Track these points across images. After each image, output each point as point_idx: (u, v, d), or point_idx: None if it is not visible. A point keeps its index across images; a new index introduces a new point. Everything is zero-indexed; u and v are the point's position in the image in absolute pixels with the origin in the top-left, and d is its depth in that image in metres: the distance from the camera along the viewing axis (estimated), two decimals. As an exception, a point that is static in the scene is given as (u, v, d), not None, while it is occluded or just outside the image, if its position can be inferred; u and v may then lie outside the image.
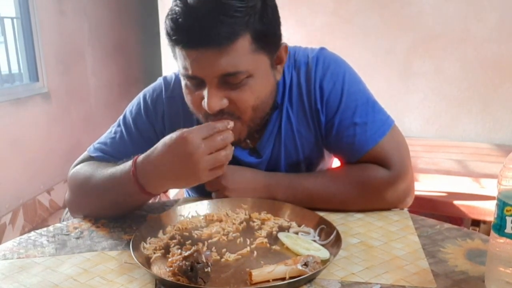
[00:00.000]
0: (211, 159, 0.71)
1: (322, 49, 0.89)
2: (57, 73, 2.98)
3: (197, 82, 0.76)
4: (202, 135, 0.71)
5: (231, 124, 0.75)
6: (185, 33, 0.71)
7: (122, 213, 0.85)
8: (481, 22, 2.24)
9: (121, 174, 0.77)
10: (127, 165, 0.77)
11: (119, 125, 0.94)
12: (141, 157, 0.76)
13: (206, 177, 0.74)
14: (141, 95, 0.95)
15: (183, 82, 0.80)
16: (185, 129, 0.72)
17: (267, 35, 0.76)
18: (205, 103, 0.75)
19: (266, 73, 0.79)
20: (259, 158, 0.91)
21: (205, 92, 0.75)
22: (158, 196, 0.90)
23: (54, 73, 2.94)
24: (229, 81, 0.74)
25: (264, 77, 0.79)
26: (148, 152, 0.75)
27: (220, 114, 0.77)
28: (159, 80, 0.95)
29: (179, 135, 0.71)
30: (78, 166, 0.89)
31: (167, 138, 0.73)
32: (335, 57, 0.89)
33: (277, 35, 0.79)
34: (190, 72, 0.74)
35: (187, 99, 0.81)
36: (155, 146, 0.75)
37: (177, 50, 0.75)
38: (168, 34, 0.73)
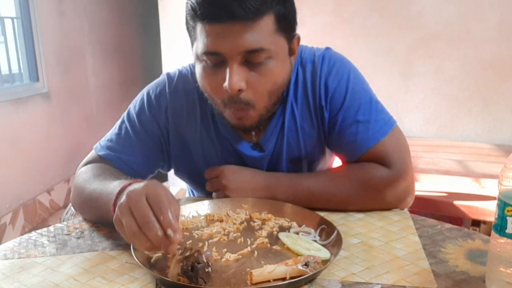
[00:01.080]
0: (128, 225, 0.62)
1: (328, 48, 0.91)
2: (57, 73, 2.98)
3: (217, 62, 0.75)
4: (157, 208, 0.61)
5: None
6: (212, 6, 0.71)
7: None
8: (481, 22, 2.24)
9: (106, 198, 0.73)
10: (113, 191, 0.71)
11: (123, 121, 0.94)
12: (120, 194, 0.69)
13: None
14: (144, 91, 0.95)
15: (200, 66, 0.79)
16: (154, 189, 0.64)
17: (288, 19, 0.77)
18: (226, 82, 0.74)
19: (284, 58, 0.80)
20: (262, 153, 0.91)
21: (226, 71, 0.74)
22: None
23: (54, 73, 2.94)
24: (250, 60, 0.74)
25: (283, 61, 0.79)
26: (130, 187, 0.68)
27: (238, 100, 0.77)
28: (163, 76, 0.96)
29: (129, 194, 0.62)
30: (83, 169, 0.89)
31: (133, 187, 0.65)
32: (340, 56, 0.90)
33: (294, 22, 0.81)
34: (213, 48, 0.73)
35: (204, 83, 0.80)
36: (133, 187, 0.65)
37: (199, 27, 0.75)
38: (192, 9, 0.74)
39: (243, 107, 0.78)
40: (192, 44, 0.80)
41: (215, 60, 0.76)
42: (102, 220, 0.81)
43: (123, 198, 0.63)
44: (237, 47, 0.73)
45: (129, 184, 0.69)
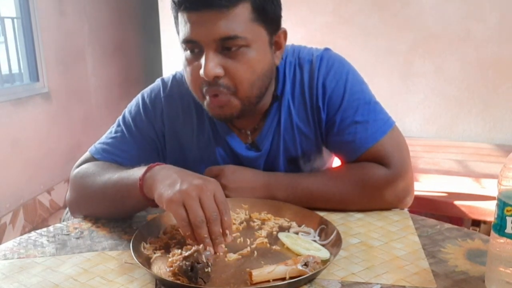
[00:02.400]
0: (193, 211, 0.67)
1: (327, 49, 0.91)
2: (57, 73, 2.98)
3: (196, 50, 0.77)
4: (207, 205, 0.67)
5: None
6: None
7: (123, 216, 0.85)
8: (481, 22, 2.24)
9: (127, 182, 0.76)
10: (136, 173, 0.76)
11: (119, 125, 0.94)
12: (150, 171, 0.74)
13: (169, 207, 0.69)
14: (139, 96, 0.96)
15: (183, 56, 0.81)
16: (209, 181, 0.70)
17: (266, 9, 0.78)
18: (202, 69, 0.75)
19: (263, 48, 0.80)
20: (258, 152, 0.91)
21: (202, 59, 0.76)
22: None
23: (54, 73, 2.94)
24: (226, 47, 0.75)
25: (262, 51, 0.79)
26: (160, 167, 0.74)
27: (216, 85, 0.77)
28: (157, 81, 0.97)
29: (199, 183, 0.68)
30: (82, 166, 0.89)
31: (189, 173, 0.71)
32: (339, 57, 0.90)
33: (277, 14, 0.81)
34: (190, 36, 0.75)
35: (186, 73, 0.81)
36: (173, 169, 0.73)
37: (180, 17, 0.77)
38: (173, 0, 0.76)
39: (221, 91, 0.78)
40: (179, 37, 0.82)
41: (193, 48, 0.77)
42: (113, 210, 0.82)
43: (187, 185, 0.67)
44: (212, 34, 0.74)
45: (157, 164, 0.74)
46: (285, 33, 0.84)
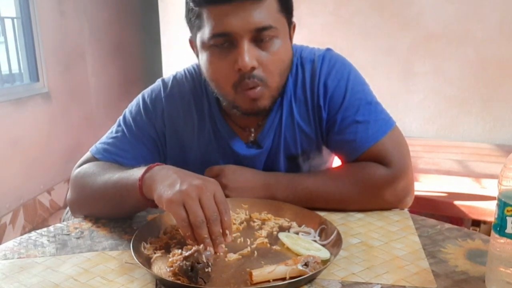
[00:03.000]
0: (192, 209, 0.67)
1: (328, 49, 0.92)
2: (57, 73, 2.98)
3: (226, 46, 0.77)
4: (208, 207, 0.67)
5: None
6: None
7: (123, 216, 0.85)
8: (481, 22, 2.24)
9: (127, 182, 0.76)
10: (135, 173, 0.76)
11: (119, 125, 0.94)
12: (149, 172, 0.74)
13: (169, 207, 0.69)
14: (139, 96, 0.96)
15: (206, 54, 0.80)
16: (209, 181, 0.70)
17: (288, 1, 0.81)
18: (239, 61, 0.75)
19: (287, 39, 0.82)
20: (260, 149, 0.92)
21: (237, 52, 0.76)
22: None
23: (54, 73, 2.94)
24: (259, 39, 0.76)
25: (286, 42, 0.82)
26: (160, 167, 0.74)
27: (252, 77, 0.77)
28: (158, 82, 0.97)
29: (199, 183, 0.68)
30: (83, 166, 0.89)
31: (188, 174, 0.71)
32: (341, 57, 0.91)
33: (292, 6, 0.83)
34: (223, 28, 0.75)
35: (212, 70, 0.81)
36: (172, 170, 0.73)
37: (206, 12, 0.76)
38: None
39: (257, 84, 0.78)
40: (195, 35, 0.81)
41: (223, 42, 0.77)
42: (113, 210, 0.83)
43: (187, 185, 0.67)
44: (248, 24, 0.74)
45: (156, 165, 0.74)
46: (294, 26, 0.86)
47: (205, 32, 0.77)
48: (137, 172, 0.75)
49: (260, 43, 0.77)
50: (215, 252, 0.67)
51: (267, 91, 0.80)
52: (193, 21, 0.80)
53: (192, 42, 0.87)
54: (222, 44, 0.77)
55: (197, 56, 0.87)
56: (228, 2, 0.73)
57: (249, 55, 0.75)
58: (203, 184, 0.68)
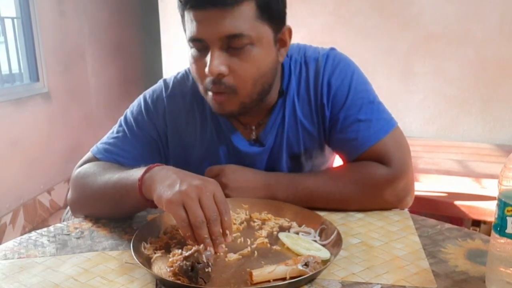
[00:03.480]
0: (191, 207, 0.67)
1: (332, 48, 0.92)
2: (57, 73, 2.98)
3: (202, 48, 0.77)
4: (207, 206, 0.67)
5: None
6: None
7: (123, 216, 0.85)
8: (481, 22, 2.24)
9: (127, 182, 0.76)
10: (135, 173, 0.76)
11: (120, 125, 0.94)
12: (149, 172, 0.74)
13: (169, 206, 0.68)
14: (141, 96, 0.96)
15: (189, 53, 0.81)
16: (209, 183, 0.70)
17: (271, 7, 0.78)
18: (207, 66, 0.76)
19: (268, 46, 0.80)
20: (262, 147, 0.92)
21: (208, 57, 0.76)
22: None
23: (54, 73, 2.94)
24: (232, 46, 0.76)
25: (266, 49, 0.80)
26: (160, 168, 0.74)
27: (218, 83, 0.78)
28: (159, 82, 0.97)
29: (198, 183, 0.68)
30: (84, 166, 0.89)
31: (188, 174, 0.71)
32: (344, 57, 0.91)
33: (281, 12, 0.81)
34: (196, 34, 0.76)
35: (192, 69, 0.82)
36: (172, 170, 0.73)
37: (186, 16, 0.77)
38: None
39: (223, 90, 0.78)
40: (186, 34, 0.82)
41: (200, 46, 0.78)
42: (113, 210, 0.83)
43: (186, 186, 0.67)
44: (217, 32, 0.74)
45: (156, 165, 0.74)
46: (289, 30, 0.84)
47: (187, 34, 0.79)
48: (136, 173, 0.75)
49: (233, 50, 0.76)
50: (215, 252, 0.67)
51: (235, 98, 0.80)
52: (182, 21, 0.82)
53: None
54: (199, 47, 0.78)
55: None
56: (201, 8, 0.74)
57: (216, 61, 0.75)
58: (203, 184, 0.68)
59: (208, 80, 0.78)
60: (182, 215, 0.66)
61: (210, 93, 0.81)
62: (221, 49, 0.76)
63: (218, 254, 0.67)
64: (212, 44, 0.75)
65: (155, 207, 0.73)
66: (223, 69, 0.76)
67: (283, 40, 0.83)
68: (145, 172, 0.74)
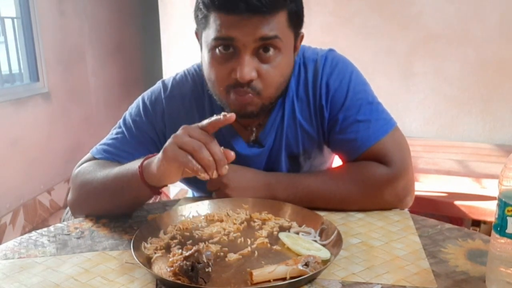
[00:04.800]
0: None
1: (331, 49, 0.92)
2: (57, 73, 2.98)
3: (228, 51, 0.77)
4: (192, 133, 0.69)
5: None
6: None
7: (124, 211, 0.85)
8: (481, 22, 2.24)
9: (127, 173, 0.78)
10: (134, 164, 0.78)
11: (120, 127, 0.95)
12: (148, 159, 0.76)
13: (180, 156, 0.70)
14: (139, 98, 0.97)
15: (208, 54, 0.80)
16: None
17: (299, 16, 0.81)
18: (238, 71, 0.76)
19: (290, 53, 0.83)
20: (261, 148, 0.92)
21: (238, 62, 0.76)
22: (159, 196, 0.90)
23: (54, 73, 2.94)
24: (264, 48, 0.77)
25: (289, 56, 0.82)
26: (157, 155, 0.75)
27: (247, 86, 0.78)
28: (158, 83, 0.97)
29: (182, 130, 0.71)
30: (83, 166, 0.89)
31: None
32: (343, 58, 0.91)
33: (303, 20, 0.84)
34: (227, 33, 0.75)
35: (211, 72, 0.81)
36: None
37: (213, 16, 0.76)
38: None
39: (249, 92, 0.79)
40: (201, 33, 0.82)
41: (227, 47, 0.77)
42: (114, 204, 0.83)
43: (174, 137, 0.69)
44: (253, 35, 0.75)
45: (154, 154, 0.75)
46: (302, 36, 0.86)
47: (210, 34, 0.78)
48: (136, 163, 0.77)
49: (262, 55, 0.77)
50: (219, 174, 0.68)
51: (258, 100, 0.81)
52: (200, 19, 0.80)
53: (197, 34, 0.87)
54: (225, 48, 0.77)
55: (201, 49, 0.87)
56: (236, 13, 0.73)
57: (249, 67, 0.76)
58: (186, 126, 0.70)
59: (233, 81, 0.78)
60: (182, 153, 0.67)
61: (232, 94, 0.80)
62: (252, 54, 0.76)
63: (221, 174, 0.68)
64: (243, 48, 0.75)
65: (158, 193, 0.75)
66: (254, 74, 0.77)
67: (296, 46, 0.85)
68: (144, 160, 0.76)
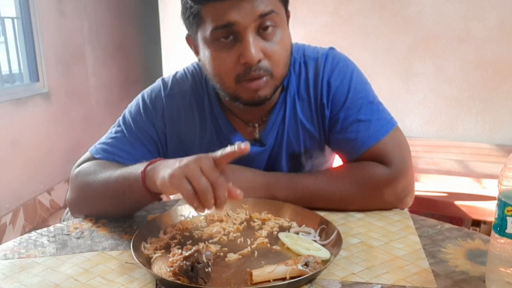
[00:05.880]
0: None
1: (332, 48, 0.92)
2: (57, 73, 2.98)
3: (230, 38, 0.76)
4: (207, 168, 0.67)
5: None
6: None
7: (124, 214, 0.85)
8: (481, 22, 2.24)
9: (129, 177, 0.76)
10: (137, 168, 0.76)
11: (119, 125, 0.94)
12: (151, 165, 0.74)
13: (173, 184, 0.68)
14: (139, 96, 0.96)
15: (208, 51, 0.79)
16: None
17: None
18: (245, 55, 0.75)
19: (286, 26, 0.83)
20: (263, 147, 0.92)
21: (241, 45, 0.75)
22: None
23: (54, 73, 2.94)
24: (264, 27, 0.76)
25: (286, 29, 0.82)
26: (161, 161, 0.74)
27: (258, 69, 0.77)
28: (157, 81, 0.97)
29: (196, 157, 0.69)
30: (83, 166, 0.88)
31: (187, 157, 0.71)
32: (344, 56, 0.91)
33: None
34: (227, 19, 0.74)
35: (216, 66, 0.80)
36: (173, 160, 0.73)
37: (206, 9, 0.75)
38: None
39: (262, 75, 0.78)
40: (195, 33, 0.81)
41: (227, 35, 0.76)
42: (115, 207, 0.82)
43: (186, 161, 0.66)
44: (251, 13, 0.74)
45: (158, 159, 0.74)
46: (289, 14, 0.86)
47: (207, 28, 0.77)
48: (139, 167, 0.75)
49: (263, 34, 0.77)
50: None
51: (271, 81, 0.80)
52: (192, 19, 0.79)
53: (189, 40, 0.87)
54: (226, 37, 0.76)
55: (196, 53, 0.87)
56: None
57: (255, 47, 0.75)
58: (201, 156, 0.68)
59: (243, 69, 0.77)
60: (187, 186, 0.65)
61: (244, 83, 0.79)
62: (254, 34, 0.76)
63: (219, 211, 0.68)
64: (246, 29, 0.75)
65: (159, 199, 0.73)
66: (261, 55, 0.76)
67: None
68: (148, 165, 0.74)
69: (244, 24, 0.74)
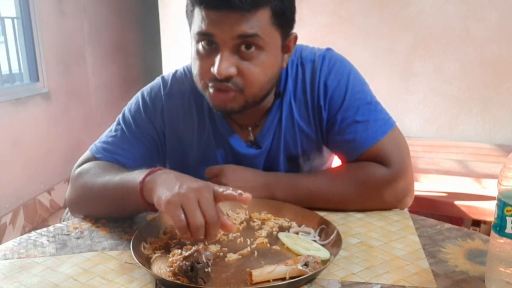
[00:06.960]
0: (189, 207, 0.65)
1: (329, 49, 0.91)
2: (57, 73, 2.98)
3: (211, 46, 0.76)
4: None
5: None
6: None
7: (124, 216, 0.85)
8: (481, 22, 2.24)
9: (128, 185, 0.75)
10: (136, 176, 0.75)
11: (119, 123, 0.94)
12: (150, 175, 0.74)
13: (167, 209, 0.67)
14: (139, 94, 0.96)
15: (194, 48, 0.80)
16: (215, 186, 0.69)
17: (285, 15, 0.78)
18: (215, 67, 0.75)
19: (276, 52, 0.80)
20: (259, 149, 0.92)
21: (217, 58, 0.75)
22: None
23: (54, 73, 2.94)
24: (246, 44, 0.75)
25: (274, 55, 0.80)
26: (162, 171, 0.74)
27: (224, 82, 0.77)
28: (157, 79, 0.96)
29: (198, 186, 0.67)
30: (83, 166, 0.88)
31: (188, 178, 0.70)
32: (341, 57, 0.91)
33: (292, 20, 0.81)
34: (207, 29, 0.74)
35: (195, 65, 0.81)
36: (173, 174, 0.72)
37: (197, 11, 0.76)
38: None
39: (230, 88, 0.77)
40: (190, 27, 0.81)
41: (208, 42, 0.76)
42: (113, 211, 0.82)
43: (186, 188, 0.65)
44: (231, 31, 0.73)
45: (158, 169, 0.73)
46: (295, 37, 0.84)
47: (195, 29, 0.78)
48: (138, 175, 0.74)
49: (245, 53, 0.76)
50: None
51: (241, 97, 0.79)
52: (188, 14, 0.80)
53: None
54: (208, 44, 0.77)
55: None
56: (216, 9, 0.73)
57: (226, 64, 0.74)
58: (202, 187, 0.67)
59: (212, 78, 0.77)
60: (181, 217, 0.64)
61: (211, 90, 0.79)
62: (231, 51, 0.75)
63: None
64: (223, 44, 0.75)
65: (156, 210, 0.72)
66: (231, 70, 0.75)
67: (288, 46, 0.83)
68: (147, 175, 0.73)
69: (222, 38, 0.74)
